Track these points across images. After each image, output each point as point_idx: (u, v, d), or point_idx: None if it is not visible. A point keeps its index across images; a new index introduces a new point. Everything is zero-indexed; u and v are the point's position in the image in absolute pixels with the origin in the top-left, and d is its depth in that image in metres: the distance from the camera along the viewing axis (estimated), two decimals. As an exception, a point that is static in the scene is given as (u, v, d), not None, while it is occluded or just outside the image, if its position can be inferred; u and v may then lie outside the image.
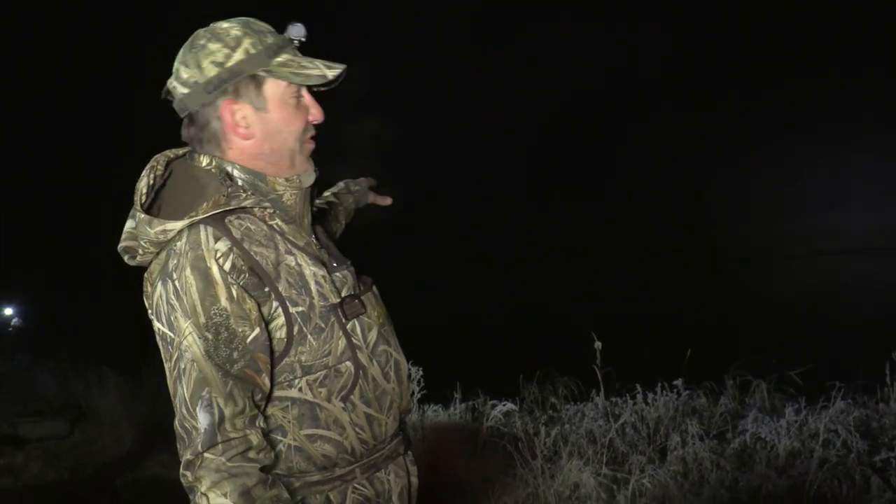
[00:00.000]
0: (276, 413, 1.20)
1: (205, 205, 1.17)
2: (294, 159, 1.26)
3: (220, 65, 1.19)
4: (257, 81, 1.21)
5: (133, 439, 5.04)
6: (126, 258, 1.23)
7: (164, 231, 1.16)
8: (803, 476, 3.12)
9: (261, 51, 1.20)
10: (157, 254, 1.19)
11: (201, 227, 1.16)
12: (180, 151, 1.30)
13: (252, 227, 1.20)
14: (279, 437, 1.21)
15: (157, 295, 1.17)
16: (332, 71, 1.22)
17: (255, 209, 1.22)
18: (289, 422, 1.21)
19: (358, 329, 1.25)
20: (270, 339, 1.18)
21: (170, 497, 4.01)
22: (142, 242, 1.19)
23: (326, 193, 1.70)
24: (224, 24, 1.22)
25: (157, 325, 1.18)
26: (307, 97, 1.26)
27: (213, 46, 1.19)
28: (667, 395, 3.98)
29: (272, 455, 1.17)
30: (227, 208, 1.18)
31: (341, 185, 1.74)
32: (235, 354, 1.13)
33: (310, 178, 1.28)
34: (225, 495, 1.08)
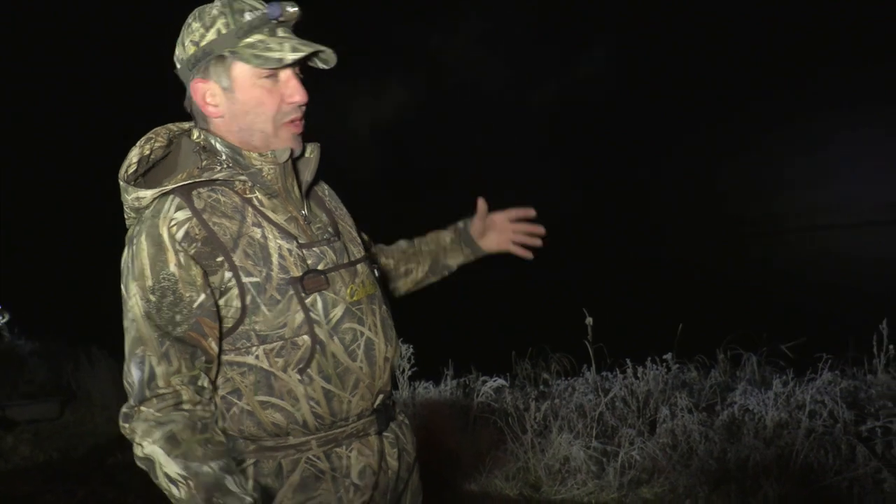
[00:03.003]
0: (235, 377, 1.25)
1: (179, 176, 1.25)
2: (267, 140, 1.27)
3: (196, 44, 1.24)
4: (226, 62, 1.24)
5: (124, 420, 5.05)
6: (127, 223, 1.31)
7: (138, 199, 1.24)
8: (790, 446, 3.15)
9: (232, 31, 1.22)
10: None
11: (169, 196, 1.22)
12: (185, 125, 1.36)
13: (222, 199, 1.24)
14: (235, 400, 1.25)
15: (122, 258, 1.24)
16: (293, 54, 1.21)
17: (236, 182, 1.26)
18: (246, 386, 1.24)
19: (319, 304, 1.25)
20: (228, 306, 1.22)
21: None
22: (125, 208, 1.28)
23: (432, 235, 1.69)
24: (212, 3, 1.26)
25: (121, 286, 1.24)
26: (288, 78, 1.25)
27: (195, 25, 1.24)
28: (657, 370, 3.99)
29: (211, 408, 1.22)
30: (198, 180, 1.24)
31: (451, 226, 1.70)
32: (178, 318, 1.18)
33: (284, 154, 1.27)
34: (153, 442, 1.14)
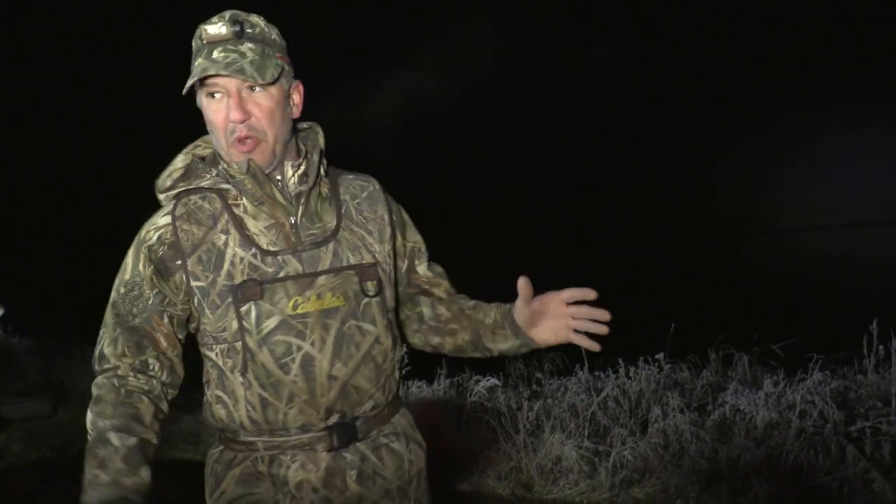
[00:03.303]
0: (209, 369, 1.36)
1: (183, 183, 1.36)
2: (226, 156, 1.32)
3: None
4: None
5: (118, 418, 5.04)
6: None
7: (160, 201, 1.38)
8: (781, 446, 3.17)
9: (194, 54, 1.30)
10: None
11: (171, 202, 1.35)
12: None
13: (205, 206, 1.33)
14: (206, 390, 1.37)
15: None
16: (190, 81, 1.26)
17: (230, 190, 1.33)
18: (213, 379, 1.35)
19: (253, 313, 1.28)
20: (196, 307, 1.32)
21: (155, 475, 4.02)
22: None
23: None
24: None
25: None
26: (229, 96, 1.28)
27: None
28: (649, 369, 4.02)
29: (153, 384, 1.33)
30: (190, 187, 1.35)
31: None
32: (135, 310, 1.33)
33: (243, 166, 1.30)
34: (90, 406, 1.31)
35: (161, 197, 1.36)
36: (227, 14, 1.28)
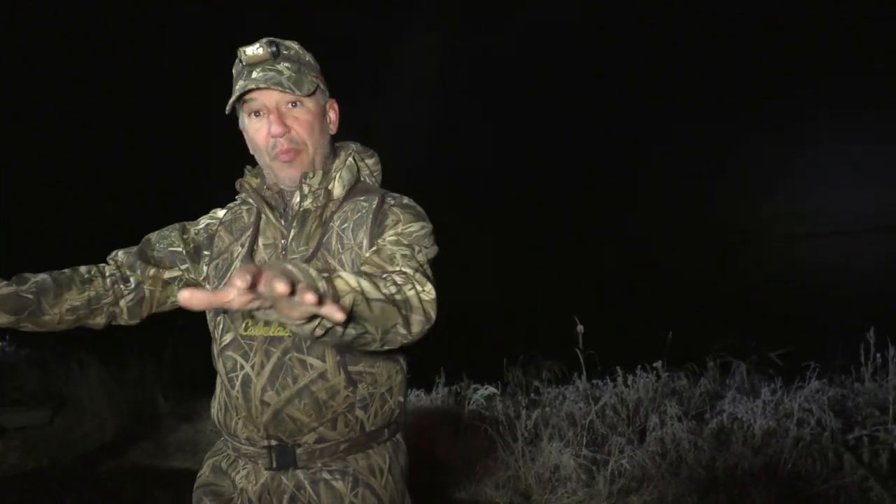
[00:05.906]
0: None
1: (244, 194, 1.48)
2: (273, 170, 1.38)
3: None
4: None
5: (115, 427, 5.02)
6: None
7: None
8: (778, 455, 3.17)
9: (234, 78, 1.36)
10: None
11: (231, 205, 1.51)
12: None
13: (243, 217, 1.45)
14: None
15: None
16: (233, 98, 1.33)
17: (266, 204, 1.41)
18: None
19: (221, 325, 1.38)
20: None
21: (152, 484, 4.00)
22: None
23: None
24: None
25: None
26: (270, 112, 1.33)
27: None
28: (646, 377, 4.01)
29: (105, 282, 1.45)
30: (238, 197, 1.50)
31: None
32: (157, 246, 1.48)
33: (284, 183, 1.38)
34: None
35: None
36: (264, 39, 1.33)
